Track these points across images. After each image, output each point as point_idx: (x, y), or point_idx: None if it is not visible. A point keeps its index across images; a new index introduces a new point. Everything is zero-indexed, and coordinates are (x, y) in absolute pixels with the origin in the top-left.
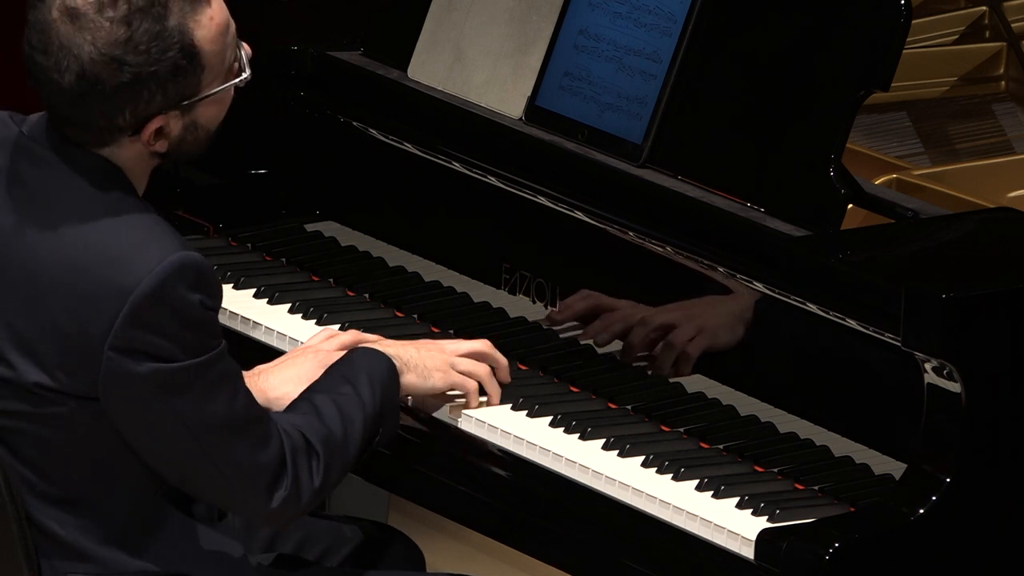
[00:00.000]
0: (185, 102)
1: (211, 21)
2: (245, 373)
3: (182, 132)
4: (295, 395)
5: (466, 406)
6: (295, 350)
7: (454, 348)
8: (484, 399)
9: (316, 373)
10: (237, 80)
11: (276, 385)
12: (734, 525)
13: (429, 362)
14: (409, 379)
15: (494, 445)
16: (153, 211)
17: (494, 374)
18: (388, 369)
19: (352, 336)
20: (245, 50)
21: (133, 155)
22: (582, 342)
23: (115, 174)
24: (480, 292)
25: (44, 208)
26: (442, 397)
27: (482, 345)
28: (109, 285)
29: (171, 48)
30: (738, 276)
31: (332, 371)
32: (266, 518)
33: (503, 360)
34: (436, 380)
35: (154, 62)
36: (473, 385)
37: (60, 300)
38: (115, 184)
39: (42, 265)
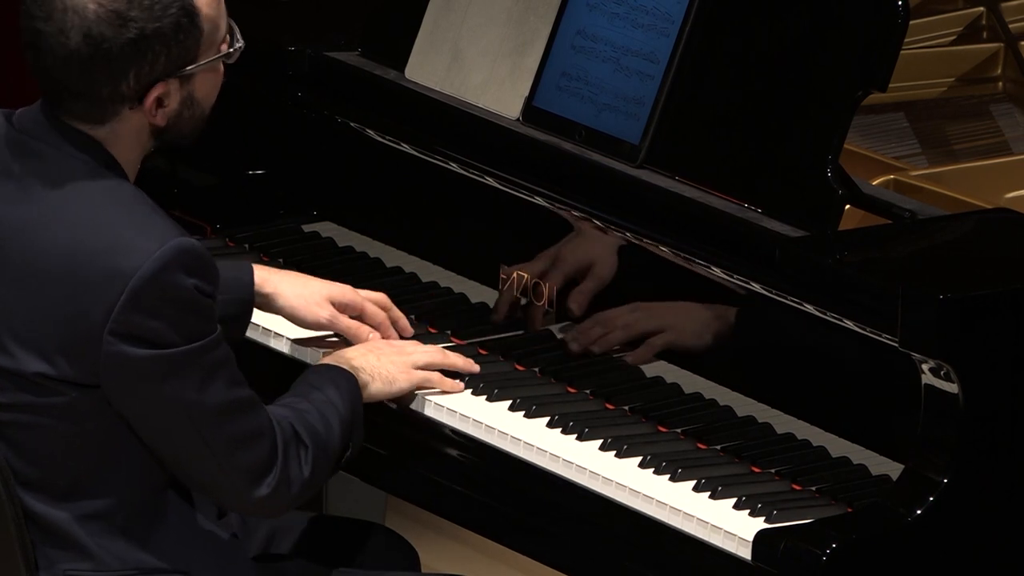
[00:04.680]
0: (186, 68)
1: None
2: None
3: (180, 106)
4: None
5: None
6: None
7: (411, 357)
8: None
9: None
10: (232, 49)
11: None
12: (731, 526)
13: (391, 367)
14: (375, 388)
15: (491, 445)
16: (148, 199)
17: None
18: (350, 381)
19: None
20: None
21: (133, 131)
22: (580, 343)
23: (109, 162)
24: (477, 292)
25: (40, 199)
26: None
27: (437, 355)
28: (108, 271)
29: (172, 5)
30: (735, 277)
31: (298, 385)
32: (256, 506)
33: (459, 360)
34: (400, 383)
35: (157, 18)
36: (436, 377)
37: (60, 288)
38: (109, 172)
39: (41, 256)
